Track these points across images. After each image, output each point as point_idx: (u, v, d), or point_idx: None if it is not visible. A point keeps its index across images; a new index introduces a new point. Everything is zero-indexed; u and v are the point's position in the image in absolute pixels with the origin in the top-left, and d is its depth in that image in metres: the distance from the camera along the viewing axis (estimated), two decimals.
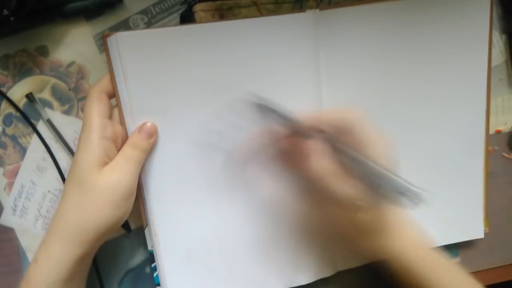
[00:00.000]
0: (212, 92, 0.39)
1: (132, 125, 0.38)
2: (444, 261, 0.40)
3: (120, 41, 0.36)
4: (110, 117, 0.38)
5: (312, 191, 0.37)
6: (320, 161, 0.35)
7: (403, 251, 0.38)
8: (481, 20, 0.45)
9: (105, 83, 0.37)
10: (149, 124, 0.38)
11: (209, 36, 0.38)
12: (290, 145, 0.40)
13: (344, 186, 0.35)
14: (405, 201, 0.32)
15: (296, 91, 0.41)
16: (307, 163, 0.36)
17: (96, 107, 0.36)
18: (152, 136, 0.38)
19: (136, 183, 0.37)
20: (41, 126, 0.42)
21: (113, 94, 0.38)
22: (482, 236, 0.50)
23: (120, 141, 0.38)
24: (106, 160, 0.36)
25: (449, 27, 0.44)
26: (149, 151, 0.39)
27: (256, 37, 0.39)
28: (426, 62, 0.44)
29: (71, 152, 0.42)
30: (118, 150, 0.38)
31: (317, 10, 0.40)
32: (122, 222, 0.37)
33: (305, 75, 0.41)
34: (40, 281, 0.35)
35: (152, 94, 0.38)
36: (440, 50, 0.44)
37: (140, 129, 0.38)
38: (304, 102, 0.42)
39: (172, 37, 0.37)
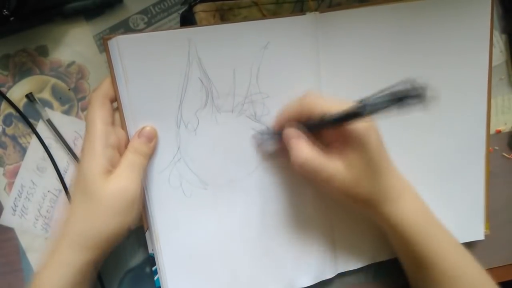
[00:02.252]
0: (214, 96, 0.39)
1: (133, 129, 0.38)
2: (443, 232, 0.40)
3: (121, 44, 0.36)
4: (113, 122, 0.37)
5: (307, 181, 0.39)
6: (299, 152, 0.36)
7: (404, 219, 0.38)
8: (482, 21, 0.45)
9: (106, 88, 0.37)
10: (148, 128, 0.38)
11: (210, 39, 0.38)
12: (279, 148, 0.41)
13: (333, 162, 0.36)
14: (410, 103, 0.30)
15: (297, 93, 0.41)
16: (291, 160, 0.37)
17: (99, 114, 0.36)
18: (152, 140, 0.38)
19: (141, 188, 0.37)
20: (41, 127, 0.42)
21: (115, 98, 0.38)
22: (482, 238, 0.50)
23: (123, 147, 0.38)
24: (110, 168, 0.36)
25: (449, 29, 0.44)
26: (150, 155, 0.38)
27: (256, 39, 0.39)
28: (427, 63, 0.44)
29: (71, 152, 0.42)
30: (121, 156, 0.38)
31: (317, 13, 0.40)
32: (132, 227, 0.38)
33: (305, 77, 0.41)
34: (49, 286, 0.35)
35: (154, 98, 0.38)
36: (440, 52, 0.44)
37: (140, 133, 0.38)
38: None
39: (174, 39, 0.37)
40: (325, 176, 0.36)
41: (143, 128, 0.38)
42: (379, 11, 0.42)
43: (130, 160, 0.37)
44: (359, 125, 0.35)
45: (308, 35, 0.40)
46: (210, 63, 0.38)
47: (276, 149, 0.41)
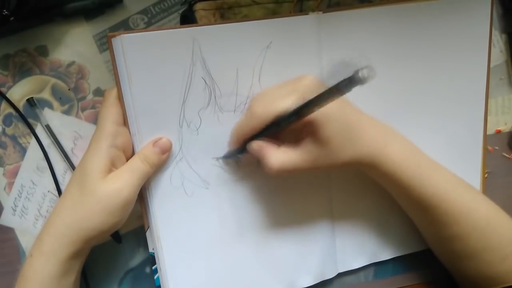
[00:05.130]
0: (217, 95, 0.39)
1: (135, 128, 0.38)
2: (439, 171, 0.40)
3: (125, 42, 0.35)
4: (124, 122, 0.38)
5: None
6: (270, 160, 0.36)
7: (396, 167, 0.38)
8: (482, 21, 0.45)
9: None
10: (164, 139, 0.38)
11: (213, 38, 0.38)
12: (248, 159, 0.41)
13: (308, 150, 0.36)
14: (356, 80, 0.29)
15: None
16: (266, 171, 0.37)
17: (111, 114, 0.37)
18: (165, 153, 0.38)
19: (136, 195, 0.37)
20: (40, 128, 0.42)
21: None
22: None
23: (130, 149, 0.38)
24: (112, 168, 0.36)
25: (450, 29, 0.44)
26: (159, 167, 0.38)
27: (259, 38, 0.39)
28: (427, 63, 0.44)
29: (68, 160, 0.42)
30: (128, 158, 0.38)
31: (320, 13, 0.40)
32: (115, 229, 0.38)
33: (307, 72, 0.40)
34: (34, 276, 0.35)
35: (157, 96, 0.38)
36: (441, 52, 0.44)
37: (155, 143, 0.38)
38: None
39: (178, 38, 0.37)
40: (306, 167, 0.36)
41: (159, 138, 0.38)
42: (381, 12, 0.42)
43: (135, 165, 0.37)
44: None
45: (311, 35, 0.40)
46: (214, 62, 0.38)
47: (246, 160, 0.41)
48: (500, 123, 0.52)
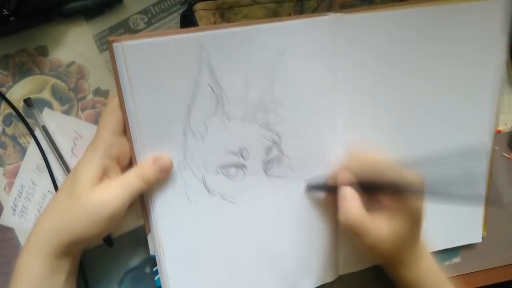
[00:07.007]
0: (225, 103, 0.37)
1: (137, 135, 0.36)
2: None
3: (127, 50, 0.33)
4: (123, 132, 0.36)
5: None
6: (347, 210, 0.38)
7: (417, 282, 0.41)
8: (493, 23, 0.44)
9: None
10: (166, 159, 0.37)
11: (222, 43, 0.35)
12: (330, 202, 0.42)
13: (379, 227, 0.38)
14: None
15: (314, 96, 0.40)
16: (339, 218, 0.38)
17: (109, 123, 0.35)
18: (165, 172, 0.37)
19: (125, 209, 0.36)
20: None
21: None
22: (479, 240, 0.50)
23: (126, 161, 0.37)
24: (104, 177, 0.36)
25: (464, 30, 0.43)
26: (155, 184, 0.37)
27: (273, 44, 0.37)
28: (442, 66, 0.43)
29: (63, 163, 0.42)
30: (123, 168, 0.37)
31: (338, 14, 0.38)
32: (100, 237, 0.38)
33: (322, 85, 0.40)
34: (23, 273, 0.35)
35: (161, 105, 0.35)
36: (455, 54, 0.43)
37: (155, 160, 0.36)
38: (320, 107, 0.40)
39: (185, 45, 0.34)
40: (369, 242, 0.38)
41: (161, 156, 0.36)
42: (398, 15, 0.40)
43: (129, 180, 0.35)
44: (418, 201, 0.37)
45: (329, 38, 0.38)
46: (222, 69, 0.36)
47: (252, 169, 0.40)
48: (500, 123, 0.52)
